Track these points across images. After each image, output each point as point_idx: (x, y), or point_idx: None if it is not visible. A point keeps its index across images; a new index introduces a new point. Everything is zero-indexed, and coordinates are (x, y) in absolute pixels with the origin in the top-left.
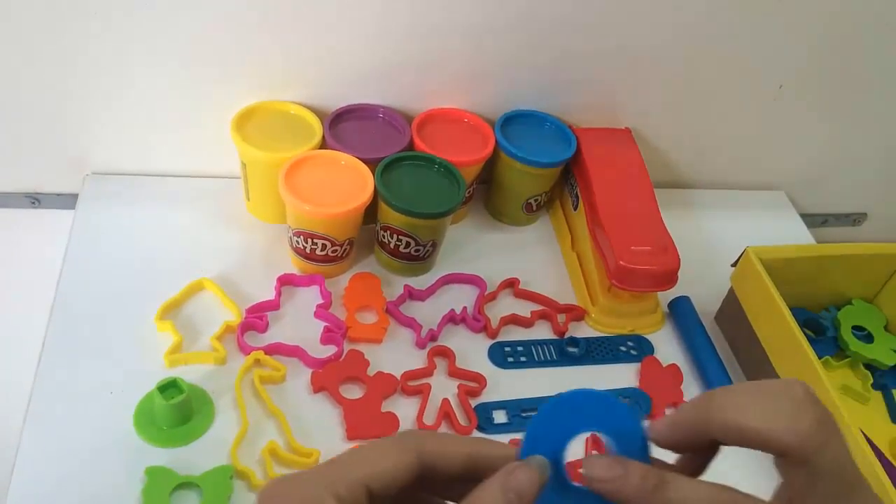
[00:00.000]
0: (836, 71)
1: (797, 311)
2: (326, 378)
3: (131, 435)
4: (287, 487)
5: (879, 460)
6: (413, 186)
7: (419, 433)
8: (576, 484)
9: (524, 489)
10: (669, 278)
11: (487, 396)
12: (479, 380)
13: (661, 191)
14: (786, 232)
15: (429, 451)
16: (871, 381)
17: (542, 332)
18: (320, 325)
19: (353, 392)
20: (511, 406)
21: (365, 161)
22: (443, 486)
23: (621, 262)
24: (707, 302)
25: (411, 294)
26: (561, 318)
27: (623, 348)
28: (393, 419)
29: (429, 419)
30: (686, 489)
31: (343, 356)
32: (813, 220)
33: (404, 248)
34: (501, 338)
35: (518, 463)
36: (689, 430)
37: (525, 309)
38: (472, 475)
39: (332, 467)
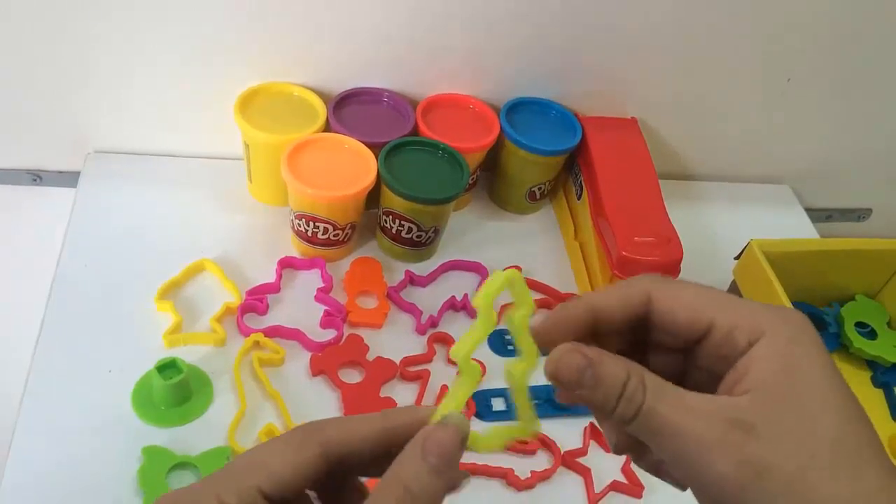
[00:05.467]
0: (844, 65)
1: (799, 306)
2: (325, 362)
3: (129, 414)
4: (174, 502)
5: None
6: (416, 172)
7: (317, 424)
8: None
9: (446, 450)
10: (672, 270)
11: (486, 384)
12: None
13: (665, 182)
14: (790, 226)
15: (333, 440)
16: (874, 378)
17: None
18: (320, 309)
19: (352, 376)
20: (510, 394)
21: (368, 145)
22: (364, 468)
23: (624, 253)
24: None
25: (412, 280)
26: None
27: None
28: (391, 404)
29: (427, 405)
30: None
31: (343, 340)
32: (817, 215)
33: (406, 233)
34: (501, 325)
35: (433, 426)
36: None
37: None
38: (391, 450)
39: (222, 475)
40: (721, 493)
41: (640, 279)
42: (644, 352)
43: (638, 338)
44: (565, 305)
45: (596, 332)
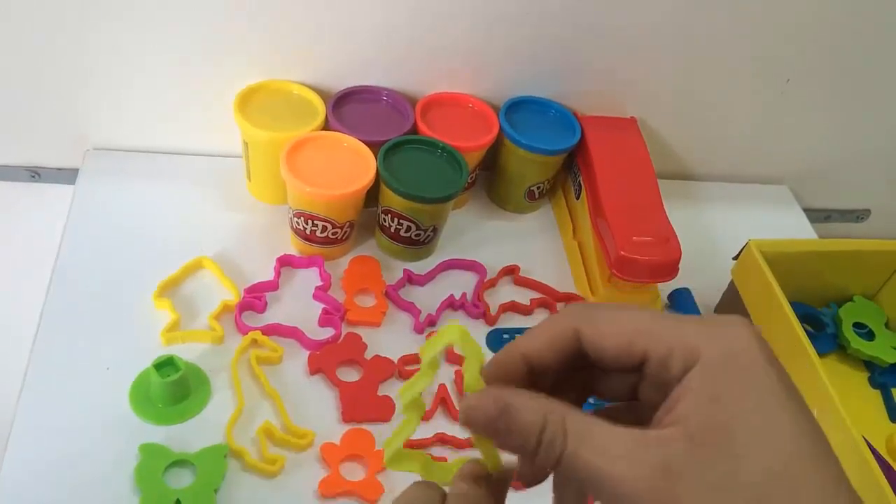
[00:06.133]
0: (843, 66)
1: (797, 306)
2: (323, 360)
3: (127, 412)
4: None
5: (876, 460)
6: (415, 170)
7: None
8: None
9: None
10: (670, 270)
11: None
12: None
13: (664, 182)
14: (788, 226)
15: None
16: (871, 379)
17: (541, 320)
18: (318, 307)
19: (350, 375)
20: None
21: (368, 143)
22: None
23: (622, 252)
24: (707, 294)
25: (411, 278)
26: (560, 306)
27: None
28: (389, 403)
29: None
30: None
31: (341, 339)
32: (816, 216)
33: (405, 232)
34: (500, 325)
35: None
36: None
37: (524, 297)
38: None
39: None
40: None
41: (568, 311)
42: (594, 377)
43: (582, 366)
44: (500, 356)
45: (534, 375)
